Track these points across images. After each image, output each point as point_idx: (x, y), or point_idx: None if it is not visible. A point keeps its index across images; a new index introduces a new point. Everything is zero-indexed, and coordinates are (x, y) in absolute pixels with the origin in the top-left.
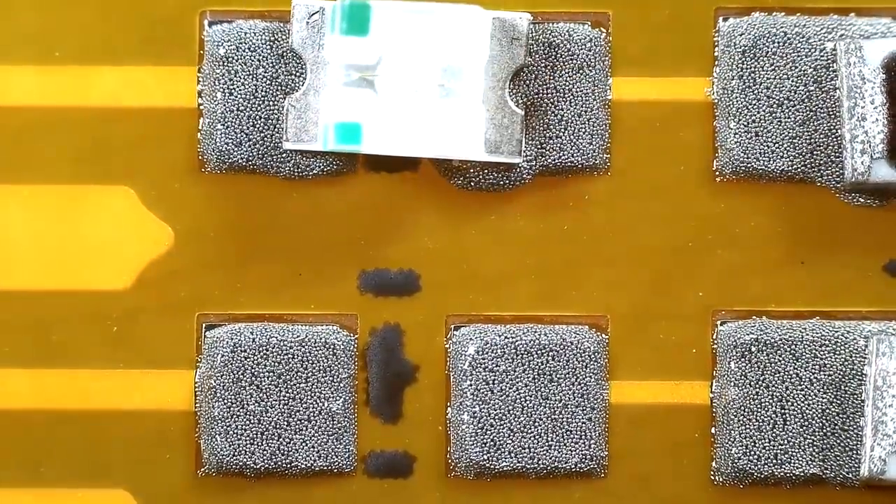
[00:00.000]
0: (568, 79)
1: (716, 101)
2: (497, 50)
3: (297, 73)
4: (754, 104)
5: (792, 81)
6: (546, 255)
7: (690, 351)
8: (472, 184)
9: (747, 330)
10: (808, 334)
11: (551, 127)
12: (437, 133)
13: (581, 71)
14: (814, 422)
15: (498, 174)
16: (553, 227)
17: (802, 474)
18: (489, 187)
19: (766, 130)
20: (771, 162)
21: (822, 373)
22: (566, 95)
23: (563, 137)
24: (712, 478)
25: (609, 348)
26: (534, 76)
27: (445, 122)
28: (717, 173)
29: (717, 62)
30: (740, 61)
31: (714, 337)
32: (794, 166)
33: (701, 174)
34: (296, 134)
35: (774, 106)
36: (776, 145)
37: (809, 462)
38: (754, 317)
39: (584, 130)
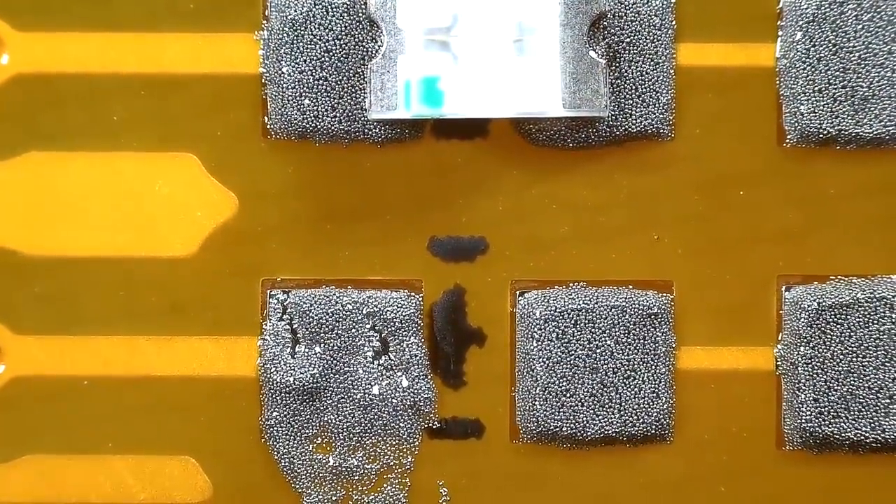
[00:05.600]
0: (633, 43)
1: (782, 65)
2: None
3: (371, 40)
4: (824, 68)
5: (866, 43)
6: (611, 221)
7: (755, 315)
8: (553, 142)
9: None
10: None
11: (616, 92)
12: (516, 91)
13: (647, 35)
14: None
15: (578, 132)
16: (618, 193)
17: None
18: (572, 145)
19: (838, 94)
20: (843, 126)
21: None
22: (631, 60)
23: (629, 103)
24: (785, 440)
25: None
26: (601, 38)
27: (523, 79)
28: (786, 138)
29: (781, 26)
30: (807, 25)
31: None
32: (870, 130)
33: (766, 139)
34: (378, 101)
35: (845, 70)
36: (848, 109)
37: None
38: (815, 282)
39: (648, 96)
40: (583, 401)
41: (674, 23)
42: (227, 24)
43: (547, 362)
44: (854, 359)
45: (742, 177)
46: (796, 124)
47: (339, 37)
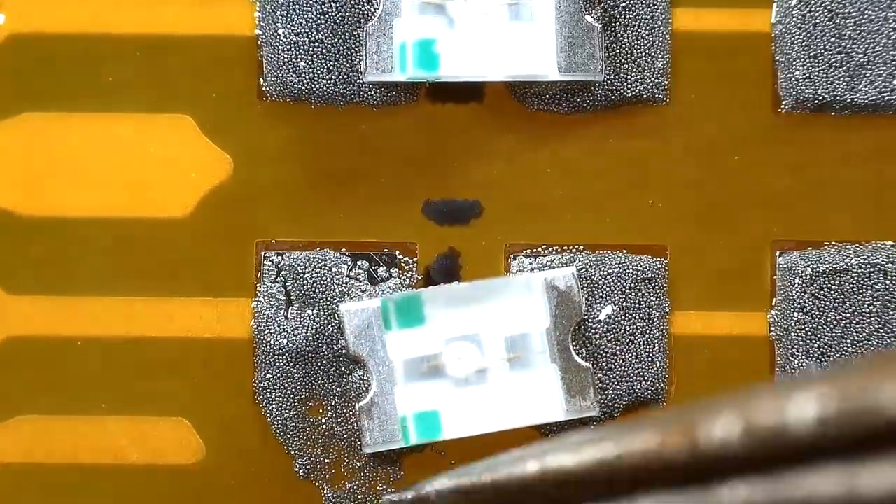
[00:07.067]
0: (629, 7)
1: (778, 31)
2: None
3: (367, 2)
4: (820, 34)
5: (862, 9)
6: (605, 185)
7: (749, 280)
8: (548, 106)
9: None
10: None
11: (612, 57)
12: (511, 55)
13: None
14: None
15: (573, 96)
16: (613, 157)
17: None
18: (567, 109)
19: (834, 60)
20: (839, 92)
21: None
22: (627, 25)
23: (624, 67)
24: None
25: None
26: (597, 2)
27: (519, 42)
28: (781, 104)
29: None
30: None
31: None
32: (865, 96)
33: (762, 105)
34: (374, 64)
35: (841, 36)
36: (843, 75)
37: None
38: (809, 248)
39: (644, 60)
40: None
41: None
42: None
43: None
44: (848, 325)
45: (737, 142)
46: (791, 90)
47: None
